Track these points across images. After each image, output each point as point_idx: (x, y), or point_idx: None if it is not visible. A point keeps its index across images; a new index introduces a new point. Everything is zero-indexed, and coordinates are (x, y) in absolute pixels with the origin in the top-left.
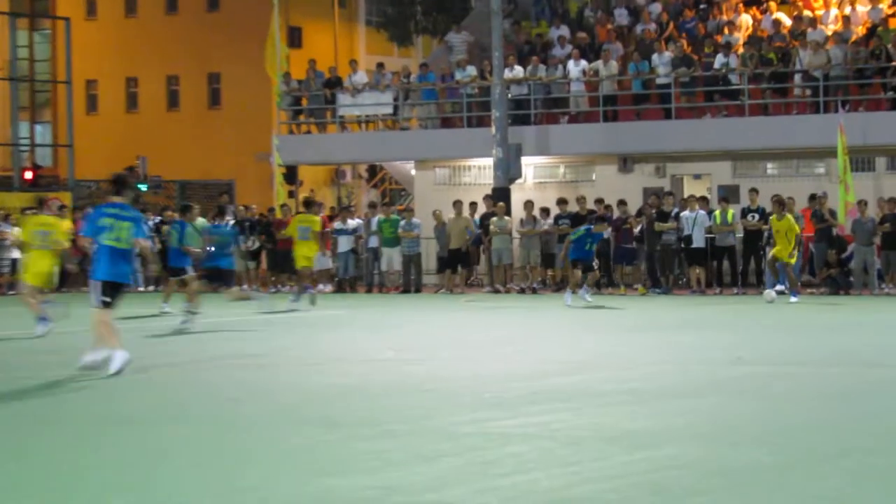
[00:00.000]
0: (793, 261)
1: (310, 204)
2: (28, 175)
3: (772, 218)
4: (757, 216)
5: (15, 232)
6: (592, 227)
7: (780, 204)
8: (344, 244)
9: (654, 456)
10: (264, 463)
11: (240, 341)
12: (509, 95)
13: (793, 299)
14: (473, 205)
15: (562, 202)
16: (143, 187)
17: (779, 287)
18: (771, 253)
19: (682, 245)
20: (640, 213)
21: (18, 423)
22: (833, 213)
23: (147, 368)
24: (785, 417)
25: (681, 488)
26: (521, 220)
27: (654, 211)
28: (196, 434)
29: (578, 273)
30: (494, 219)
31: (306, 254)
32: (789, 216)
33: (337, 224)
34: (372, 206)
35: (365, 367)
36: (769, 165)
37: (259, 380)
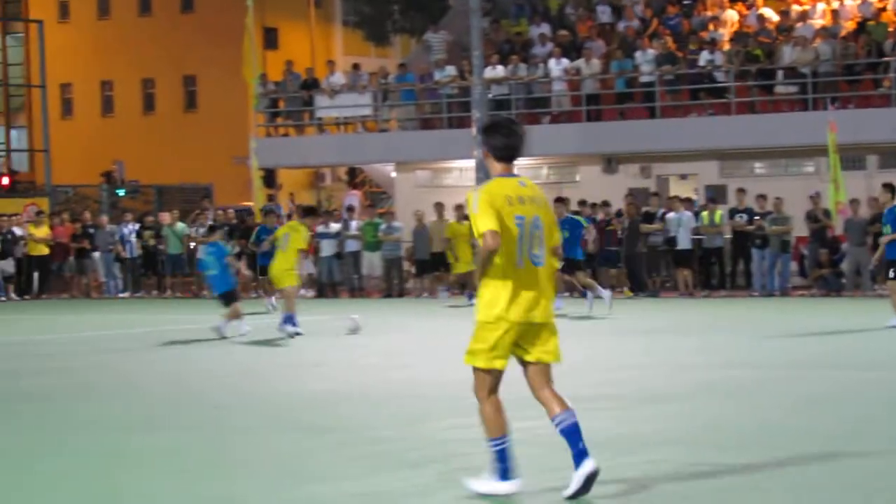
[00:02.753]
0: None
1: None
2: (4, 181)
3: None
4: (745, 217)
5: None
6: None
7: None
8: (326, 248)
9: (640, 460)
10: (248, 471)
11: (224, 348)
12: (490, 95)
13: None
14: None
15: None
16: (121, 192)
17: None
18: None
19: (668, 247)
20: (619, 214)
21: None
22: (826, 213)
23: (130, 374)
24: (774, 421)
25: (668, 493)
26: None
27: (638, 213)
28: (179, 441)
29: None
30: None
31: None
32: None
33: (319, 228)
34: (351, 209)
35: (349, 373)
36: (757, 165)
37: (242, 387)
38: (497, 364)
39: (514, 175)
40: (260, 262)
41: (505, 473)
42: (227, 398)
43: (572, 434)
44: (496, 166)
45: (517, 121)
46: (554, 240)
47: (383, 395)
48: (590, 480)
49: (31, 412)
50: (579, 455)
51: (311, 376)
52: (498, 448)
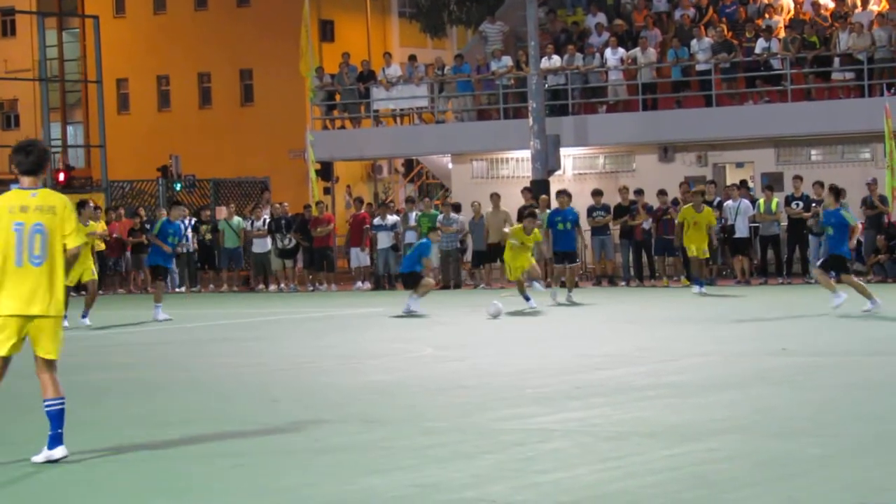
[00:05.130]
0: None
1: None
2: (61, 177)
3: (687, 207)
4: (801, 204)
5: None
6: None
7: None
8: (383, 240)
9: (696, 449)
10: (305, 463)
11: (279, 341)
12: (546, 85)
13: (697, 290)
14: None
15: (596, 194)
16: (177, 187)
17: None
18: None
19: (725, 235)
20: (675, 202)
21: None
22: (883, 200)
23: (188, 369)
24: (830, 408)
25: (725, 481)
26: None
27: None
28: (237, 434)
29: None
30: (536, 211)
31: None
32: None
33: (375, 220)
34: (409, 200)
35: (403, 365)
36: (813, 152)
37: (299, 379)
38: None
39: (31, 188)
40: (151, 262)
41: None
42: (283, 391)
43: (55, 418)
44: (22, 180)
45: (38, 142)
46: (68, 242)
47: (438, 386)
48: (54, 462)
49: (88, 408)
50: (54, 440)
51: (367, 368)
52: None
